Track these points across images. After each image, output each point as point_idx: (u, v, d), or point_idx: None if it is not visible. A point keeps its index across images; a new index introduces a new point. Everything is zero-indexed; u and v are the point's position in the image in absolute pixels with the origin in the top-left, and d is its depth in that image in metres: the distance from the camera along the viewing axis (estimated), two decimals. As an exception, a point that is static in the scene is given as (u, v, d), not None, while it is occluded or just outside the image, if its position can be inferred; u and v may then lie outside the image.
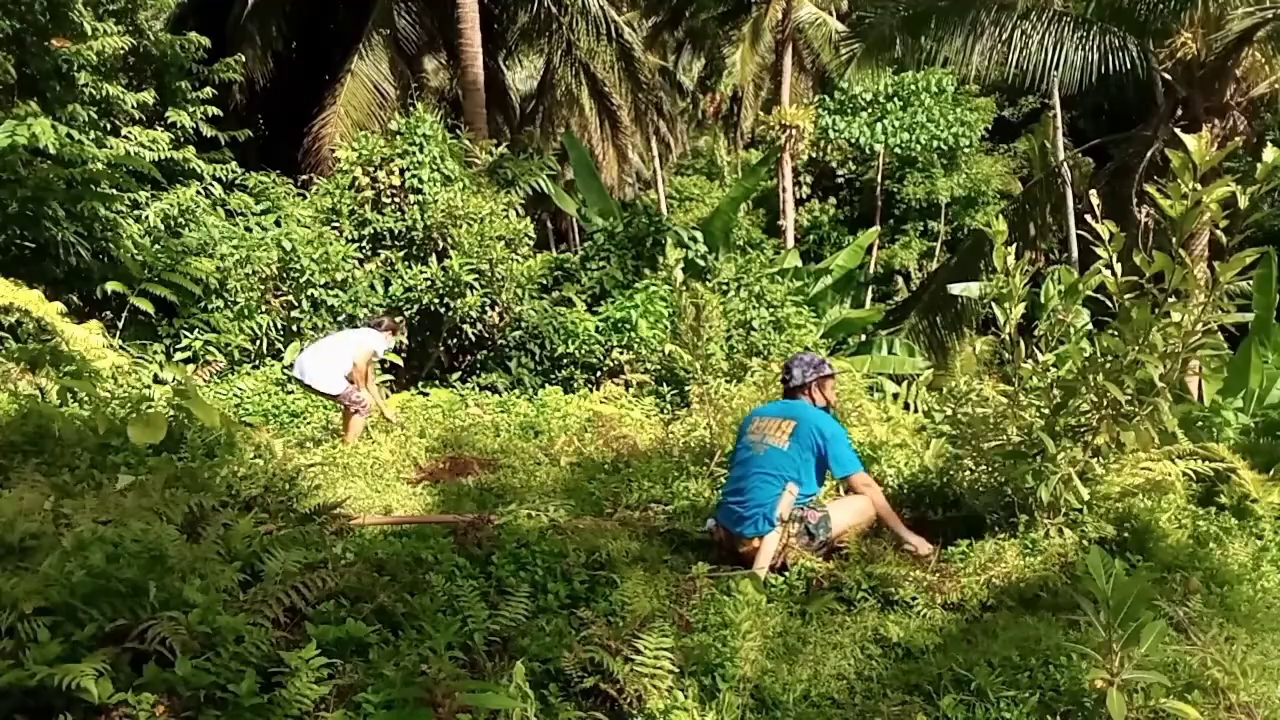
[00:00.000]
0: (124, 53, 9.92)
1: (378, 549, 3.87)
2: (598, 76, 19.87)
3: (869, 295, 20.05)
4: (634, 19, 28.23)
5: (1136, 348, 4.22)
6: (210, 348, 9.34)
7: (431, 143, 10.93)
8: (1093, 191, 4.83)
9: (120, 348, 8.68)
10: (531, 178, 13.44)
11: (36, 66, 9.39)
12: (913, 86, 24.65)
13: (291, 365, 9.47)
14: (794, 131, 24.05)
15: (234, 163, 11.38)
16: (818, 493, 4.59)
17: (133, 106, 9.97)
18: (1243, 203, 4.09)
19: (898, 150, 25.55)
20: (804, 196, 29.47)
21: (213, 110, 11.06)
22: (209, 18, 16.37)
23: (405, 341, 10.30)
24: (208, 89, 11.13)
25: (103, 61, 9.58)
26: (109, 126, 9.88)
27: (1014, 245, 4.89)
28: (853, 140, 25.54)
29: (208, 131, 11.05)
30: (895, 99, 24.98)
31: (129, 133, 9.89)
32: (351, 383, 7.38)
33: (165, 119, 10.57)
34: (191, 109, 10.83)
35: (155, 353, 9.15)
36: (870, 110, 25.23)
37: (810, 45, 27.29)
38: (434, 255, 10.58)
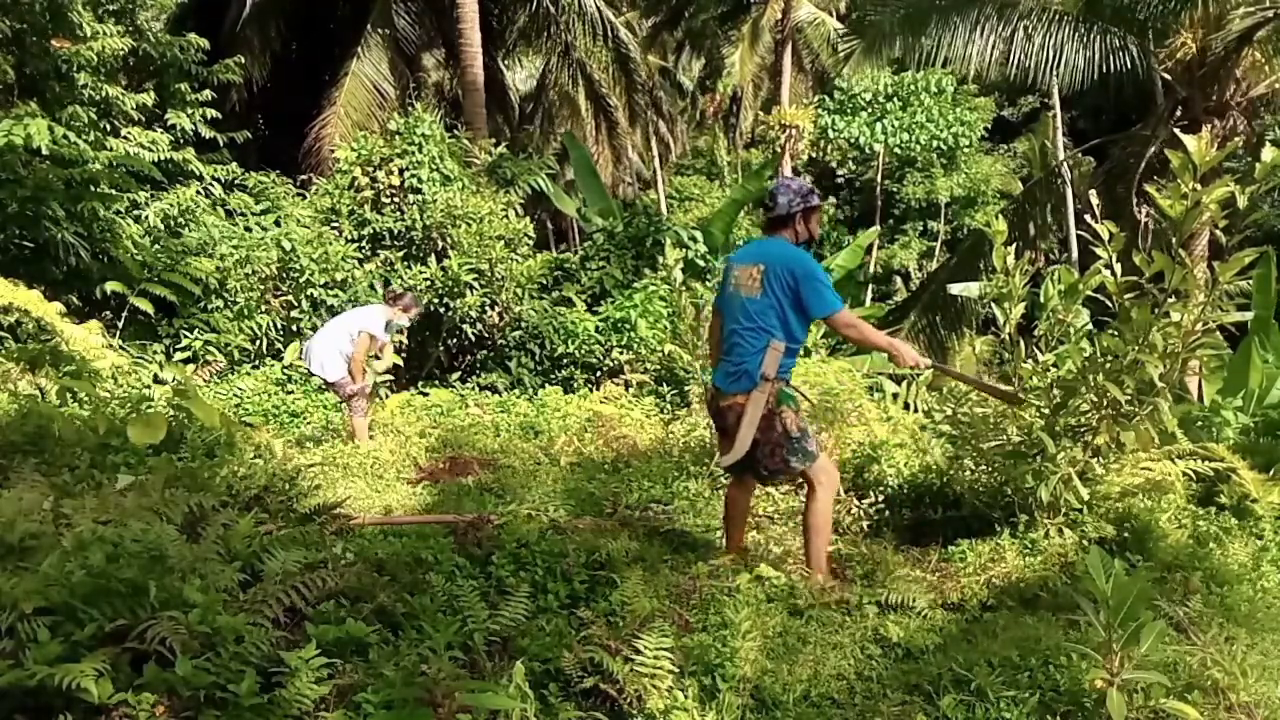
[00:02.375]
0: (123, 54, 9.89)
1: (378, 549, 3.87)
2: (594, 78, 19.90)
3: (869, 295, 20.05)
4: (634, 19, 28.24)
5: (1136, 348, 4.22)
6: (210, 348, 9.35)
7: (431, 142, 10.93)
8: (1092, 191, 4.84)
9: (120, 348, 8.68)
10: (531, 177, 13.44)
11: (36, 67, 9.38)
12: (912, 87, 24.67)
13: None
14: (793, 131, 24.06)
15: (234, 164, 11.34)
16: (805, 339, 4.26)
17: (132, 108, 9.95)
18: (1241, 203, 4.09)
19: (897, 150, 25.56)
20: (804, 196, 29.48)
21: (212, 113, 11.02)
22: (209, 18, 16.37)
23: (404, 342, 10.29)
24: (207, 91, 11.10)
25: (102, 62, 9.56)
26: (109, 128, 9.86)
27: (1014, 245, 4.89)
28: (852, 140, 25.56)
29: (207, 133, 11.03)
30: (895, 99, 24.99)
31: (128, 133, 9.88)
32: (350, 371, 7.19)
33: (165, 120, 10.55)
34: (191, 110, 10.80)
35: (155, 353, 9.15)
36: (870, 110, 25.24)
37: (810, 45, 27.30)
38: (433, 255, 10.58)
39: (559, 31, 18.27)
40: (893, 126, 24.74)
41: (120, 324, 9.01)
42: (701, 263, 12.06)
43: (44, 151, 7.89)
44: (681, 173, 32.57)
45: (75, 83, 9.52)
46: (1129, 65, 11.48)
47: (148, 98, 10.22)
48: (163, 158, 9.95)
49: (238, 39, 16.09)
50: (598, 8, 17.75)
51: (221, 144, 11.18)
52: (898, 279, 27.09)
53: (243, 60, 12.60)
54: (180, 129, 10.74)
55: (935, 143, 24.94)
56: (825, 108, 25.62)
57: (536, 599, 3.53)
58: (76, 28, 9.26)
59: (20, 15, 9.13)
